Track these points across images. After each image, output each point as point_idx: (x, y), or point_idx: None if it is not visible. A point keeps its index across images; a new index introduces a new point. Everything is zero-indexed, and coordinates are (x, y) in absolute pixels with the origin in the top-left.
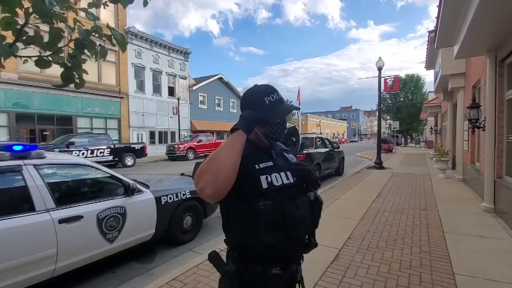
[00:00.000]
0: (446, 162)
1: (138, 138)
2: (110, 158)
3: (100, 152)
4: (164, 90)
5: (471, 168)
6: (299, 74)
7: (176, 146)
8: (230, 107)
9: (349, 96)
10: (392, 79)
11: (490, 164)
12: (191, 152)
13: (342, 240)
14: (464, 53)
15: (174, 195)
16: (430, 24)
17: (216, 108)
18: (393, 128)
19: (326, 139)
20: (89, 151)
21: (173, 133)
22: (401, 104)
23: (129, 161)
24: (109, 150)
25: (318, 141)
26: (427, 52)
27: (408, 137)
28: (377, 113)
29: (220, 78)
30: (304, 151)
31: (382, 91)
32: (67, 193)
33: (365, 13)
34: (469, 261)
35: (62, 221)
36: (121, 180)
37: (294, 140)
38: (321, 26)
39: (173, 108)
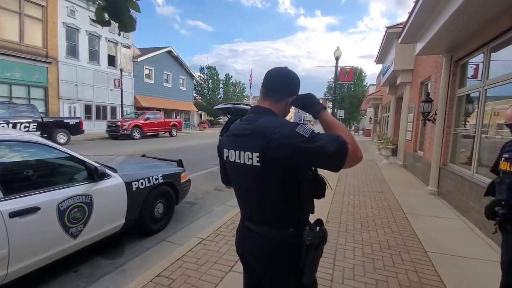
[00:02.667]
0: (390, 149)
1: (70, 112)
2: (37, 134)
3: (25, 127)
4: (103, 59)
5: (414, 155)
6: (248, 56)
7: (119, 123)
8: (179, 84)
9: None
10: (348, 70)
11: (438, 153)
12: (137, 131)
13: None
14: (426, 51)
15: (146, 180)
16: (369, 21)
17: (164, 84)
18: (339, 116)
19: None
20: (10, 125)
21: (113, 109)
22: (345, 94)
23: (61, 138)
24: (35, 124)
25: None
26: (380, 47)
27: (348, 125)
28: (322, 101)
29: (170, 52)
30: None
31: (335, 80)
32: (18, 179)
33: (314, 2)
34: (435, 239)
35: (13, 214)
36: (85, 163)
37: None
38: (272, 10)
39: (114, 80)
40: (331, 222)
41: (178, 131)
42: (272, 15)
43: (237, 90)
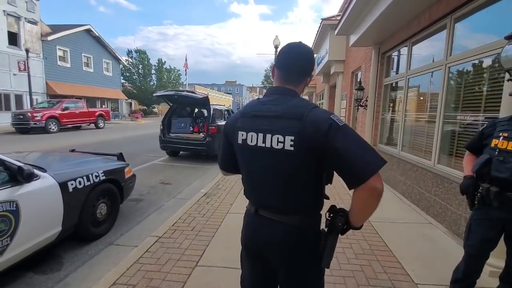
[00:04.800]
0: None
1: None
2: None
3: None
4: (2, 36)
5: None
6: (180, 41)
7: (29, 114)
8: (104, 69)
9: (232, 71)
10: None
11: (369, 135)
12: (54, 123)
13: None
14: (358, 43)
15: (85, 178)
16: (299, 13)
17: (84, 69)
18: None
19: (232, 111)
20: None
21: (19, 97)
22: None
23: None
24: None
25: (226, 112)
26: (315, 38)
27: None
28: (258, 89)
29: (89, 31)
30: (216, 123)
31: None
32: None
33: None
34: (376, 213)
35: None
36: (4, 162)
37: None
38: None
39: (18, 62)
40: None
41: (106, 122)
42: None
43: (172, 77)
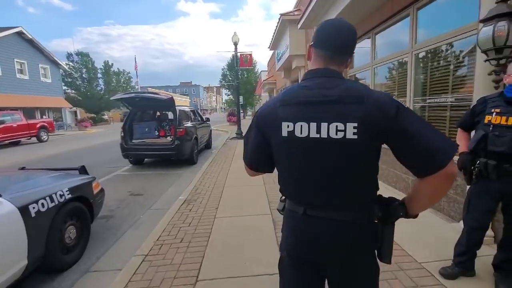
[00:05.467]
0: None
1: None
2: None
3: None
4: None
5: None
6: (125, 42)
7: None
8: (41, 75)
9: (185, 71)
10: (247, 55)
11: None
12: None
13: (266, 207)
14: None
15: (48, 199)
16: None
17: (18, 76)
18: (237, 102)
19: (197, 112)
20: None
21: None
22: (240, 81)
23: None
24: None
25: (191, 113)
26: (274, 34)
27: (245, 111)
28: (215, 89)
29: (20, 33)
30: (184, 125)
31: (236, 66)
32: None
33: None
34: None
35: None
36: None
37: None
38: None
39: None
40: (275, 202)
41: (50, 134)
42: None
43: (122, 80)
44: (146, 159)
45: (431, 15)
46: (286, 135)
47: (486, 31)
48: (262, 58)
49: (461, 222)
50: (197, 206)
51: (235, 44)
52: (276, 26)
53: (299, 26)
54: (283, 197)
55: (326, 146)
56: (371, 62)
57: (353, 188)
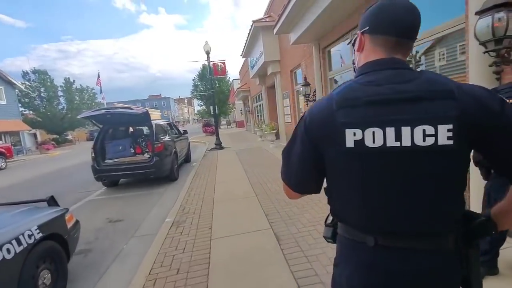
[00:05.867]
0: (274, 134)
1: None
2: None
3: None
4: None
5: None
6: (86, 57)
7: None
8: None
9: (153, 84)
10: (221, 64)
11: None
12: None
13: (264, 220)
14: (300, 41)
15: (15, 242)
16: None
17: None
18: (212, 112)
19: (174, 124)
20: None
21: None
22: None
23: None
24: None
25: (167, 127)
26: (246, 41)
27: (220, 120)
28: (186, 100)
29: None
30: (162, 140)
31: (210, 75)
32: None
33: None
34: None
35: None
36: None
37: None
38: (106, 4)
39: None
40: (271, 214)
41: (8, 160)
42: (108, 11)
43: (86, 97)
44: (121, 180)
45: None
46: (351, 145)
47: (484, 22)
48: (232, 67)
49: None
50: (188, 228)
51: (207, 53)
52: (248, 33)
53: (275, 31)
54: (330, 221)
55: (409, 157)
56: (327, 73)
57: (443, 208)
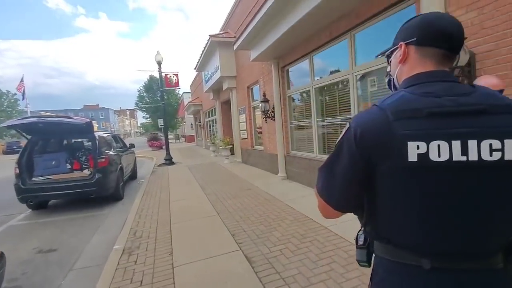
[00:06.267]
0: (228, 149)
1: None
2: None
3: None
4: None
5: (252, 151)
6: (8, 58)
7: None
8: None
9: (90, 93)
10: (174, 76)
11: (281, 144)
12: None
13: (231, 241)
14: (260, 58)
15: None
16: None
17: None
18: (160, 125)
19: (119, 137)
20: None
21: None
22: (159, 104)
23: None
24: None
25: (112, 139)
26: (201, 55)
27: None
28: (128, 112)
29: None
30: (106, 154)
31: (162, 87)
32: None
33: (95, 3)
34: (306, 206)
35: None
36: None
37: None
38: (37, 2)
39: None
40: (238, 235)
41: None
42: (38, 9)
43: (5, 104)
44: (51, 201)
45: (368, 39)
46: (414, 159)
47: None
48: (181, 80)
49: None
50: (144, 255)
51: (159, 63)
52: (204, 47)
53: (235, 47)
54: (363, 241)
55: (475, 173)
56: (311, 82)
57: (501, 226)
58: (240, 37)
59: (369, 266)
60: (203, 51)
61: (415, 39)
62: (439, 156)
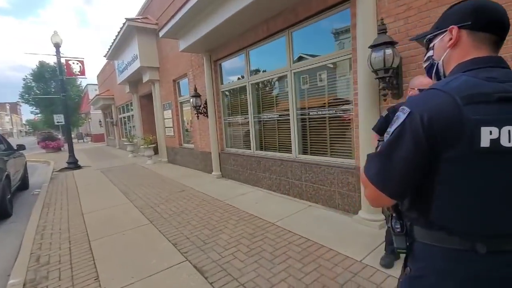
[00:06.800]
0: (151, 148)
1: None
2: None
3: None
4: None
5: (180, 150)
6: None
7: None
8: None
9: None
10: (79, 62)
11: (215, 141)
12: None
13: (174, 252)
14: (191, 50)
15: None
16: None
17: None
18: (57, 122)
19: (3, 137)
20: None
21: None
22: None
23: None
24: None
25: None
26: (115, 41)
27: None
28: (8, 106)
29: None
30: None
31: (62, 75)
32: None
33: None
34: (264, 211)
35: None
36: None
37: None
38: None
39: None
40: (180, 244)
41: None
42: None
43: None
44: None
45: (306, 38)
46: (487, 145)
47: (377, 55)
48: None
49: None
50: (57, 286)
51: (57, 46)
52: (119, 32)
53: (161, 34)
54: (400, 228)
55: None
56: (248, 78)
57: None
58: (168, 24)
59: (407, 252)
60: (117, 36)
61: (469, 23)
62: (510, 141)
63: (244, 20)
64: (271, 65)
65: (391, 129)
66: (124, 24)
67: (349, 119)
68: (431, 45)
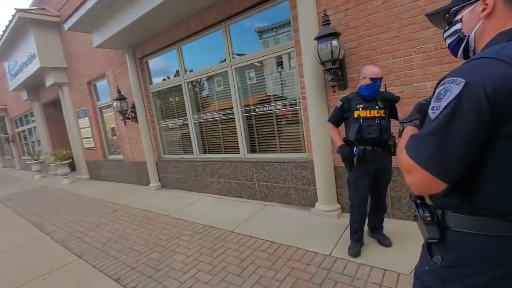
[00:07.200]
0: (67, 165)
1: None
2: None
3: None
4: None
5: (105, 163)
6: None
7: None
8: None
9: None
10: None
11: (149, 149)
12: None
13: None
14: (108, 45)
15: None
16: None
17: None
18: None
19: None
20: None
21: None
22: None
23: None
24: None
25: None
26: (2, 37)
27: None
28: None
29: None
30: None
31: None
32: None
33: None
34: (218, 219)
35: None
36: None
37: None
38: None
39: None
40: (133, 266)
41: None
42: None
43: None
44: None
45: (245, 32)
46: None
47: (324, 46)
48: None
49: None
50: None
51: None
52: (7, 26)
53: (66, 26)
54: (430, 217)
55: None
56: (183, 76)
57: None
58: (74, 15)
59: (440, 242)
60: (5, 30)
61: None
62: None
63: (172, 11)
64: (209, 61)
65: (441, 104)
66: (13, 16)
67: (297, 113)
68: (457, 18)
